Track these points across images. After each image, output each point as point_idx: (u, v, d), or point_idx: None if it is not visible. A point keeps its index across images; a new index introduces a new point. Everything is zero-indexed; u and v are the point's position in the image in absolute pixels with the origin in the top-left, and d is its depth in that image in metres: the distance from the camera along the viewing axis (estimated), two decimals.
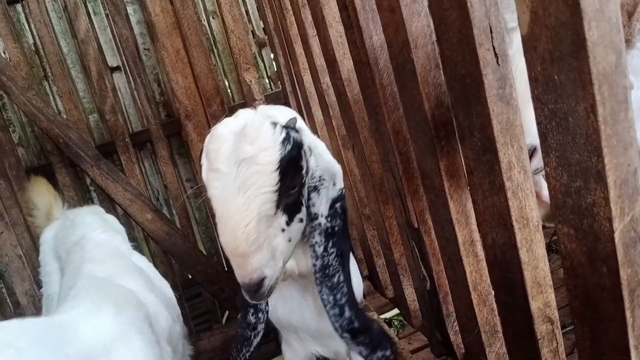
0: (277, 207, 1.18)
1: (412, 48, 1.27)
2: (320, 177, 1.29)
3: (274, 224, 1.19)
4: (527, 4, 0.86)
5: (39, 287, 2.35)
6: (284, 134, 1.18)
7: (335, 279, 1.30)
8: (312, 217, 1.29)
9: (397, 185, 1.65)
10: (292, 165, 1.19)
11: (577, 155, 0.86)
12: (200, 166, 1.26)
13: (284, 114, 1.30)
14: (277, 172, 1.15)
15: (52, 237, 2.13)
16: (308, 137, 1.30)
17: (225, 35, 4.26)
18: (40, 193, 2.33)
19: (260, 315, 1.53)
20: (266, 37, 4.42)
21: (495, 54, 1.04)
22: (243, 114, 1.27)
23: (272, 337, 3.22)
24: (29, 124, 3.92)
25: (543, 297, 1.18)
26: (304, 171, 1.24)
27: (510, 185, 1.10)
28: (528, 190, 1.11)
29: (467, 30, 1.04)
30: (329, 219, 1.29)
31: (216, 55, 4.32)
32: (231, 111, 2.89)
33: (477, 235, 1.41)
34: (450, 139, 1.33)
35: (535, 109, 0.91)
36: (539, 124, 0.91)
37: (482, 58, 1.03)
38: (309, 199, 1.28)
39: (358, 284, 1.83)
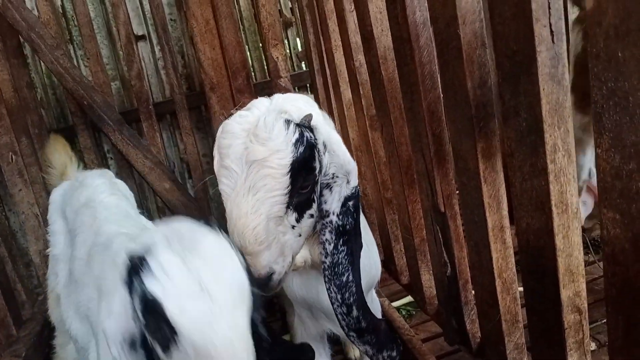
0: (288, 207, 1.18)
1: (459, 24, 1.24)
2: (333, 174, 1.27)
3: (283, 222, 1.19)
4: None
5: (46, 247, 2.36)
6: (297, 135, 1.15)
7: (344, 278, 1.28)
8: (323, 215, 1.27)
9: (426, 167, 1.62)
10: (304, 167, 1.17)
11: (634, 136, 0.83)
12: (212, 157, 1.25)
13: (299, 107, 1.26)
14: (289, 175, 1.13)
15: (60, 197, 2.12)
16: (324, 133, 1.25)
17: (253, 12, 4.25)
18: (57, 151, 2.32)
19: None
20: (292, 17, 4.39)
21: (552, 31, 1.02)
22: (256, 107, 1.24)
23: (279, 316, 3.21)
24: (51, 85, 3.92)
25: (574, 286, 1.16)
26: (316, 171, 1.22)
27: (553, 169, 1.07)
28: (571, 175, 1.09)
29: (524, 5, 1.01)
30: (340, 217, 1.26)
31: (241, 31, 4.30)
32: (253, 88, 2.87)
33: (507, 221, 1.38)
34: (490, 121, 1.31)
35: (593, 87, 0.88)
36: (594, 103, 0.89)
37: (537, 34, 1.01)
38: (321, 195, 1.26)
39: (377, 268, 1.81)
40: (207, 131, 4.14)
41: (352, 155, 2.47)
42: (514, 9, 1.04)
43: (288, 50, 4.46)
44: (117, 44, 3.93)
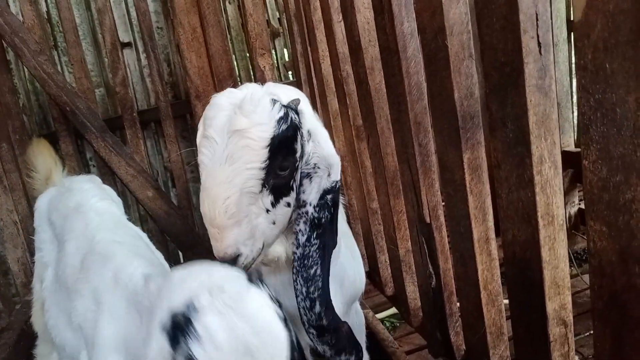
0: (263, 185, 1.16)
1: (447, 35, 1.24)
2: (315, 164, 1.25)
3: (257, 203, 1.17)
4: None
5: (32, 254, 2.30)
6: (281, 113, 1.15)
7: (312, 271, 1.26)
8: (300, 204, 1.26)
9: (412, 178, 1.62)
10: (284, 145, 1.16)
11: (621, 148, 0.83)
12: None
13: (289, 94, 1.26)
14: (267, 149, 1.12)
15: (47, 203, 2.07)
16: (309, 122, 1.25)
17: (240, 21, 4.25)
18: (42, 155, 2.27)
19: None
20: (280, 27, 4.40)
21: (539, 43, 1.02)
22: (248, 87, 1.24)
23: None
24: (34, 92, 3.86)
25: (560, 299, 1.16)
26: (297, 154, 1.21)
27: (540, 180, 1.07)
28: (557, 186, 1.09)
29: (512, 16, 1.01)
30: (317, 209, 1.25)
31: (229, 40, 4.28)
32: None
33: (492, 233, 1.38)
34: (476, 132, 1.31)
35: (580, 99, 0.89)
36: (582, 114, 0.89)
37: (525, 45, 1.01)
38: (300, 185, 1.25)
39: (361, 279, 1.80)
40: (191, 140, 4.11)
41: None
42: (502, 21, 1.04)
43: (275, 60, 4.46)
44: (103, 50, 3.89)
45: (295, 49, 2.91)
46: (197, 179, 4.39)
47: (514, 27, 1.01)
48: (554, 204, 1.09)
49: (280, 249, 1.33)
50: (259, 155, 1.12)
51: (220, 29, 2.75)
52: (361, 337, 1.98)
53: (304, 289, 1.26)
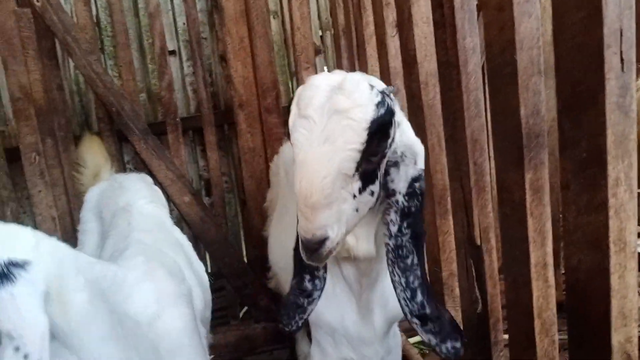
0: (357, 169, 1.14)
1: (517, 49, 1.21)
2: (402, 153, 1.25)
3: (347, 187, 1.15)
4: None
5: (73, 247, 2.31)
6: (379, 98, 1.15)
7: (409, 261, 1.23)
8: (389, 193, 1.24)
9: (464, 197, 1.57)
10: (381, 130, 1.15)
11: None
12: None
13: (380, 83, 1.26)
14: (367, 131, 1.11)
15: (97, 197, 2.10)
16: (398, 112, 1.24)
17: (283, 37, 4.29)
18: (93, 151, 2.31)
19: (317, 282, 1.42)
20: (321, 45, 4.41)
21: (622, 59, 0.97)
22: (340, 72, 1.24)
23: (287, 344, 3.12)
24: (77, 92, 3.94)
25: (626, 331, 1.09)
26: (389, 140, 1.19)
27: (614, 203, 1.02)
28: (631, 212, 1.03)
29: (594, 31, 0.97)
30: (406, 197, 1.23)
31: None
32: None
33: (550, 259, 1.32)
34: (540, 151, 1.26)
35: None
36: None
37: (607, 61, 0.97)
38: (387, 174, 1.24)
39: None
40: (227, 150, 4.13)
41: None
42: (581, 36, 1.00)
43: None
44: (147, 57, 3.97)
45: (340, 65, 2.91)
46: (230, 190, 4.40)
47: (596, 42, 0.97)
48: (627, 229, 1.04)
49: (353, 240, 1.31)
50: (359, 136, 1.10)
51: (267, 41, 2.76)
52: None
53: (402, 280, 1.23)
